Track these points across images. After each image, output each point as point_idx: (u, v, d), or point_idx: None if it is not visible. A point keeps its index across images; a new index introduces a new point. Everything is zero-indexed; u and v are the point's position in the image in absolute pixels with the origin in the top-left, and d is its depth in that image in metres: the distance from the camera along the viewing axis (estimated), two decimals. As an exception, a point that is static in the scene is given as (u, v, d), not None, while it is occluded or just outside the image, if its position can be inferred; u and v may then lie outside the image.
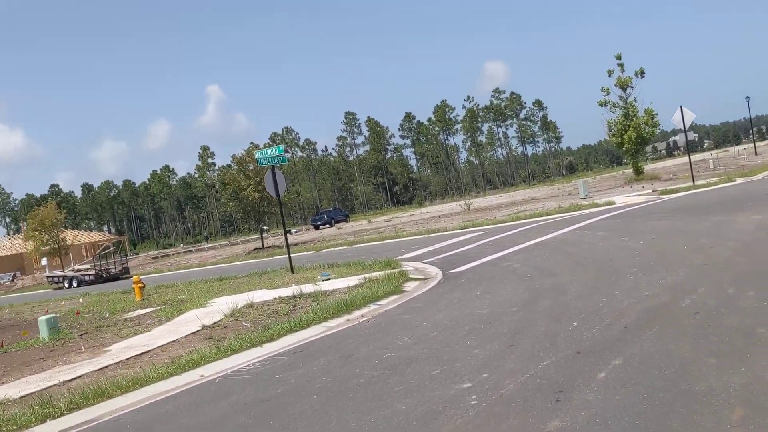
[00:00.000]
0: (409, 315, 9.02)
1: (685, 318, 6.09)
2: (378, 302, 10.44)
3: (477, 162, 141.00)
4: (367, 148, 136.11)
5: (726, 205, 16.16)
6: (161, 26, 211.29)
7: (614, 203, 24.35)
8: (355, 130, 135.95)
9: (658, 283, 7.85)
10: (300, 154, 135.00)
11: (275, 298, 12.45)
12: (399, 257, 17.75)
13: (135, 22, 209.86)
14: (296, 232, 62.02)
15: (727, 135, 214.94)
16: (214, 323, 10.90)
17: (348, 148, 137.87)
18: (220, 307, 12.24)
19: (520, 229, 19.71)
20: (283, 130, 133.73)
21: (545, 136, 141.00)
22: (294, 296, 12.09)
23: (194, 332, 10.45)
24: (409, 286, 11.87)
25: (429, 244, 20.13)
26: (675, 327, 5.84)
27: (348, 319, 9.39)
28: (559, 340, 6.09)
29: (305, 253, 28.10)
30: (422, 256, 16.92)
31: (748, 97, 63.06)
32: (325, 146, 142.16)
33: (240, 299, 12.80)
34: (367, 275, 13.34)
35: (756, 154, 57.02)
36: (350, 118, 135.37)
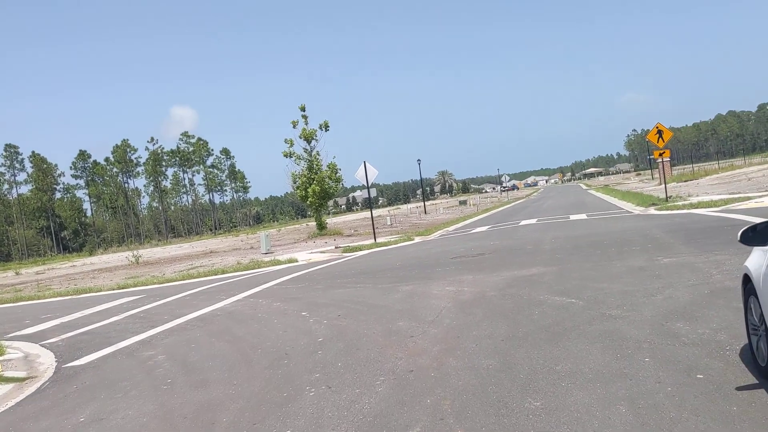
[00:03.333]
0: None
1: None
2: None
3: (160, 208, 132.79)
4: (31, 186, 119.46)
5: (413, 269, 14.72)
6: None
7: (297, 261, 22.24)
8: (17, 165, 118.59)
9: (349, 411, 5.18)
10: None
11: None
12: (14, 333, 13.09)
13: None
14: None
15: (398, 193, 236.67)
16: None
17: (6, 186, 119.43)
18: None
19: (186, 293, 16.26)
20: None
21: (233, 185, 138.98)
22: None
23: None
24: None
25: (68, 312, 15.56)
26: None
27: None
28: None
29: None
30: (47, 333, 12.49)
31: (419, 160, 68.33)
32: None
33: None
34: None
35: (425, 212, 61.36)
36: (11, 151, 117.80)
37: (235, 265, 23.42)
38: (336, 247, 26.59)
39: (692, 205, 22.59)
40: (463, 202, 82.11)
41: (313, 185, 36.86)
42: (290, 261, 22.26)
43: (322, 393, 5.80)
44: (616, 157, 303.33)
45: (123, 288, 20.97)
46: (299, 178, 38.15)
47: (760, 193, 23.21)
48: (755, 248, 4.82)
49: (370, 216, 30.35)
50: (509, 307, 8.53)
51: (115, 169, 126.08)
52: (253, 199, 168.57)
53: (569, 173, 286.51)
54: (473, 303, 9.24)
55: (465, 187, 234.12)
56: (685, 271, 9.47)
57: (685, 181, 52.49)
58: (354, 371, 6.38)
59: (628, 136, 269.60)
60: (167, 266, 29.90)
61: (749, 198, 21.82)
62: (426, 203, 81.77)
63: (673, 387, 4.79)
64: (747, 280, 4.87)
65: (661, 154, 27.70)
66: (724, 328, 6.11)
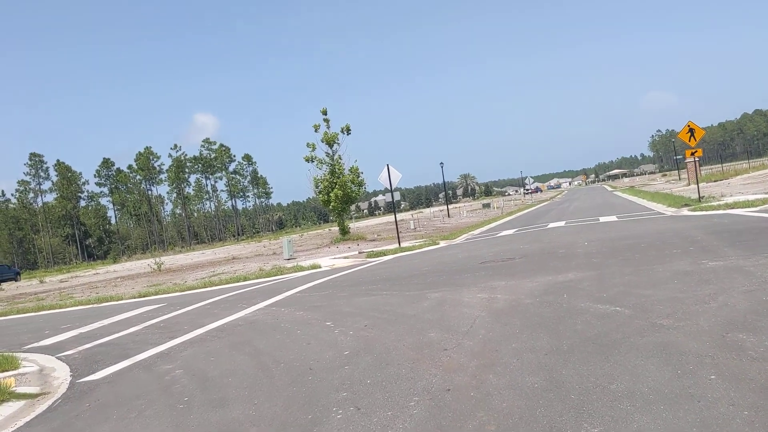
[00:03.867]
0: None
1: None
2: None
3: (183, 215, 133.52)
4: (56, 195, 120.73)
5: (441, 275, 14.17)
6: None
7: (320, 266, 21.78)
8: (42, 174, 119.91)
9: (384, 437, 4.66)
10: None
11: None
12: (32, 344, 12.80)
13: None
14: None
15: (420, 197, 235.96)
16: None
17: (32, 194, 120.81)
18: None
19: (207, 301, 15.87)
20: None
21: (255, 190, 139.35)
22: None
23: None
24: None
25: (88, 322, 15.26)
26: None
27: None
28: None
29: None
30: (65, 344, 12.15)
31: (442, 164, 67.68)
32: (2, 191, 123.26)
33: None
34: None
35: (449, 216, 60.71)
36: (35, 160, 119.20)
37: (257, 271, 23.03)
38: (359, 252, 26.11)
39: (728, 206, 21.74)
40: (486, 205, 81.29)
41: (335, 189, 36.43)
42: (313, 267, 21.81)
43: (350, 415, 5.28)
44: (640, 158, 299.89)
45: (144, 296, 20.67)
46: (321, 182, 37.75)
47: (801, 192, 22.28)
48: None
49: (393, 220, 29.89)
50: (548, 317, 7.95)
51: (138, 177, 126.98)
52: (275, 204, 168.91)
53: (593, 175, 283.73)
54: (509, 312, 8.67)
55: (487, 190, 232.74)
56: (737, 275, 8.81)
57: (715, 181, 51.27)
58: (385, 390, 5.85)
59: (653, 136, 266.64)
60: (189, 273, 29.63)
61: (789, 197, 20.92)
62: (449, 206, 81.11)
63: (750, 411, 4.20)
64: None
65: (693, 153, 26.82)
66: (796, 340, 5.49)
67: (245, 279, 20.95)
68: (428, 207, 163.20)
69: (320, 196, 37.95)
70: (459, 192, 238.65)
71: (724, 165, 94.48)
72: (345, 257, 24.86)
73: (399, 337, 8.05)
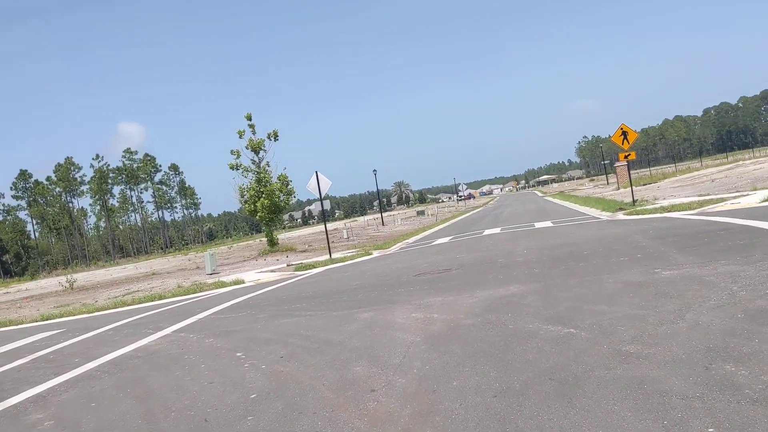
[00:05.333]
0: None
1: None
2: None
3: (108, 227, 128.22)
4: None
5: (372, 290, 12.92)
6: None
7: (243, 282, 20.24)
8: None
9: None
10: None
11: None
12: None
13: None
14: None
15: (354, 206, 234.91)
16: None
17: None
18: None
19: (111, 326, 14.16)
20: None
21: (183, 201, 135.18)
22: None
23: None
24: None
25: (-30, 353, 13.30)
26: None
27: None
28: None
29: None
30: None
31: (375, 171, 66.64)
32: None
33: None
34: None
35: (383, 224, 59.63)
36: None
37: (175, 288, 21.28)
38: (288, 265, 24.63)
39: (664, 209, 21.34)
40: (421, 213, 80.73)
41: (262, 199, 34.70)
42: (236, 282, 20.23)
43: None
44: (567, 163, 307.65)
45: (46, 320, 18.65)
46: (247, 191, 35.97)
47: (734, 194, 22.11)
48: None
49: (327, 230, 28.42)
50: (493, 342, 6.79)
51: (58, 189, 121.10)
52: (206, 215, 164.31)
53: (523, 181, 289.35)
54: (448, 336, 7.47)
55: (422, 198, 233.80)
56: (698, 286, 7.88)
57: (645, 184, 52.00)
58: (293, 454, 4.54)
59: (579, 142, 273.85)
60: (103, 292, 27.45)
61: (723, 199, 20.66)
62: (383, 214, 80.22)
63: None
64: None
65: (626, 156, 26.53)
66: (798, 372, 4.47)
67: (160, 298, 19.19)
68: (363, 215, 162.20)
69: (246, 205, 36.16)
70: (393, 200, 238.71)
71: (651, 169, 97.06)
72: (272, 271, 23.34)
73: (319, 373, 6.73)
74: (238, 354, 8.53)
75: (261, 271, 23.88)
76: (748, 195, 20.66)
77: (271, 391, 6.34)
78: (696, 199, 22.79)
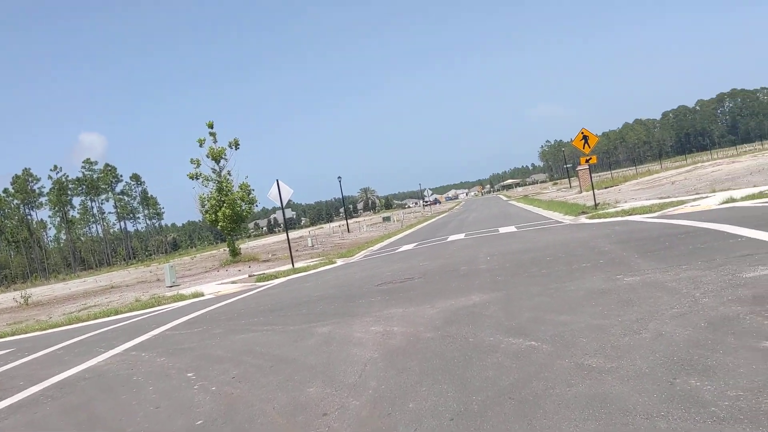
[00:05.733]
0: None
1: None
2: None
3: (68, 240, 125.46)
4: None
5: (333, 302, 12.59)
6: None
7: (203, 294, 19.76)
8: None
9: None
10: None
11: None
12: None
13: None
14: None
15: (321, 213, 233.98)
16: None
17: None
18: None
19: (62, 344, 13.62)
20: None
21: (146, 211, 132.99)
22: None
23: None
24: None
25: None
26: None
27: None
28: None
29: None
30: None
31: (339, 178, 66.33)
32: None
33: None
34: None
35: (348, 231, 59.25)
36: None
37: (133, 303, 20.65)
38: (249, 276, 24.15)
39: (626, 212, 21.43)
40: (387, 219, 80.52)
41: (223, 208, 34.08)
42: (195, 295, 19.71)
43: None
44: (531, 168, 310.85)
45: (-5, 339, 17.90)
46: (208, 201, 35.32)
47: (694, 197, 22.32)
48: None
49: (289, 238, 27.93)
50: (453, 358, 6.53)
51: (15, 201, 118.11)
52: (170, 225, 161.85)
53: (488, 185, 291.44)
54: (406, 351, 7.20)
55: (388, 203, 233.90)
56: (660, 293, 7.74)
57: (606, 187, 52.56)
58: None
59: (542, 147, 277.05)
60: (59, 307, 26.61)
61: (683, 202, 20.82)
62: (349, 221, 79.89)
63: None
64: None
65: (587, 160, 26.66)
66: (763, 387, 4.28)
67: (116, 313, 18.59)
68: (329, 222, 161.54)
69: (207, 215, 35.48)
70: (360, 206, 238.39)
71: (612, 172, 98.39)
72: (232, 282, 22.84)
73: (270, 395, 6.40)
74: (189, 374, 8.14)
75: (222, 283, 23.36)
76: (707, 197, 20.85)
77: (218, 417, 5.98)
78: (656, 201, 22.95)
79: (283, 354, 8.38)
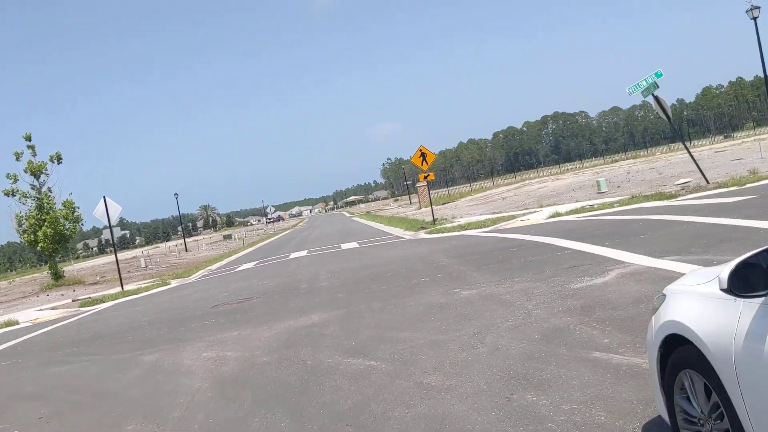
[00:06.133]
0: None
1: None
2: None
3: None
4: None
5: (163, 326, 11.71)
6: None
7: (17, 323, 17.81)
8: None
9: None
10: None
11: None
12: None
13: None
14: None
15: (157, 231, 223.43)
16: None
17: None
18: None
19: None
20: None
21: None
22: None
23: None
24: None
25: None
26: None
27: None
28: None
29: None
30: None
31: (176, 195, 63.46)
32: None
33: None
34: None
35: (187, 250, 56.77)
36: None
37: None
38: (73, 300, 22.17)
39: (461, 227, 22.17)
40: (228, 237, 78.26)
41: (44, 228, 31.25)
42: (8, 324, 17.67)
43: None
44: (373, 184, 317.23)
45: None
46: (27, 219, 32.25)
47: (524, 211, 23.58)
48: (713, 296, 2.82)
49: (124, 258, 26.07)
50: (289, 383, 6.15)
51: None
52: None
53: (332, 202, 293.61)
54: (239, 378, 6.71)
55: (230, 221, 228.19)
56: (495, 306, 7.86)
57: (444, 203, 54.52)
58: None
59: (384, 164, 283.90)
60: None
61: (513, 217, 21.92)
62: (187, 240, 76.76)
63: None
64: (676, 341, 3.02)
65: (426, 177, 27.38)
66: (595, 398, 4.32)
67: None
68: (166, 241, 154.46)
69: (25, 236, 32.37)
70: (200, 224, 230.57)
71: (449, 189, 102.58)
72: (53, 308, 20.84)
73: (81, 438, 5.65)
74: (-15, 419, 7.08)
75: (41, 309, 21.23)
76: (535, 212, 22.09)
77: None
78: (490, 216, 23.98)
79: (102, 387, 7.55)
